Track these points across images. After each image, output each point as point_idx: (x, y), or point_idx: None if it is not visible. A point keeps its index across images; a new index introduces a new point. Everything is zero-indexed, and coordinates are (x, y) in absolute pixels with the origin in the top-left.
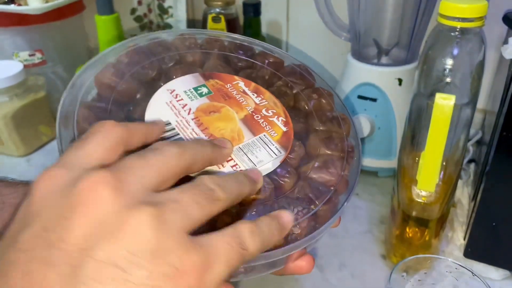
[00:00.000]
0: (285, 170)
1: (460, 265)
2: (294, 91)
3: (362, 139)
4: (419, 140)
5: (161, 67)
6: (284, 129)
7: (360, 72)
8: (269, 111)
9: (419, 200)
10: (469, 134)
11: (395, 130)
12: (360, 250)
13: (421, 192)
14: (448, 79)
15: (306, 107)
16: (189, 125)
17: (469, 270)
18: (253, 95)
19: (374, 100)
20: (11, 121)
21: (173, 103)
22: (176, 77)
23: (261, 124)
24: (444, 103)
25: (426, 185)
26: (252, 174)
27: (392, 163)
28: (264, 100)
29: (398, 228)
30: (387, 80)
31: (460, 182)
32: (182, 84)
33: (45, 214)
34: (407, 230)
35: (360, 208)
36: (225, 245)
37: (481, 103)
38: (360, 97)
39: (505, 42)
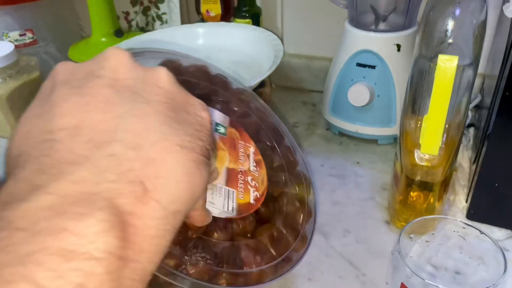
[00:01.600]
0: (223, 225)
1: (467, 224)
2: (285, 189)
3: (362, 108)
4: (421, 104)
5: (210, 99)
6: (252, 202)
7: (358, 39)
8: (253, 182)
9: (422, 164)
10: (470, 96)
11: (395, 96)
12: (364, 217)
13: (424, 155)
14: (450, 40)
15: (284, 208)
16: None
17: (477, 229)
18: (253, 163)
19: (373, 67)
20: (6, 103)
21: None
22: (217, 107)
23: (239, 183)
24: (447, 65)
25: (429, 149)
26: None
27: (392, 130)
28: (257, 173)
29: (402, 193)
30: (386, 46)
31: (460, 147)
32: (215, 115)
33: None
34: (411, 194)
35: (361, 176)
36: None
37: (480, 67)
38: (358, 64)
39: (507, 0)
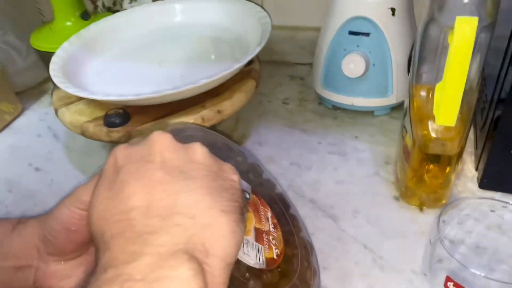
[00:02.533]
0: (258, 274)
1: (505, 202)
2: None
3: (357, 79)
4: (434, 72)
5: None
6: (275, 257)
7: (349, 5)
8: (274, 241)
9: (438, 136)
10: (485, 60)
11: (391, 64)
12: (371, 194)
13: (439, 127)
14: (465, 0)
15: (298, 271)
16: None
17: None
18: (272, 226)
19: (366, 34)
20: None
21: None
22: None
23: (264, 240)
24: (466, 27)
25: (446, 119)
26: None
27: (389, 100)
28: (275, 233)
29: (415, 169)
30: (379, 11)
31: None
32: (242, 183)
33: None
34: (426, 168)
35: (362, 151)
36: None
37: None
38: (351, 33)
39: None
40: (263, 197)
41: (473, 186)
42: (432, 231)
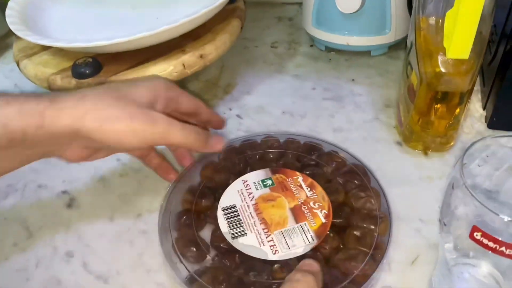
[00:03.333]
0: (313, 256)
1: None
2: (346, 189)
3: (352, 15)
4: (440, 1)
5: (247, 162)
6: (324, 220)
7: None
8: (316, 204)
9: (448, 71)
10: None
11: None
12: (372, 141)
13: (450, 61)
14: None
15: (354, 204)
16: (248, 209)
17: None
18: (307, 189)
19: None
20: None
21: (243, 191)
22: (255, 170)
23: (305, 214)
24: None
25: (458, 51)
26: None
27: (387, 38)
28: (314, 194)
29: (421, 110)
30: None
31: None
32: (255, 176)
33: None
34: (434, 108)
35: (359, 95)
36: None
37: None
38: None
39: None
40: (289, 163)
41: (481, 126)
42: (454, 176)
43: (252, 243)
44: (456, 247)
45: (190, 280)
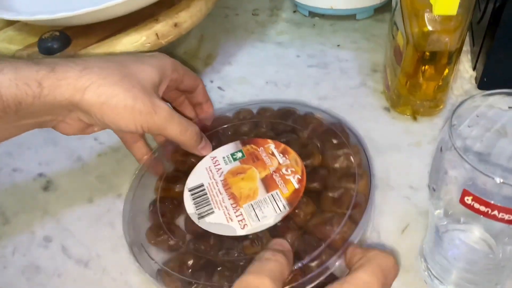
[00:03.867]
0: (286, 226)
1: None
2: (323, 151)
3: None
4: None
5: (220, 138)
6: (296, 186)
7: None
8: (288, 170)
9: (436, 29)
10: None
11: None
12: (358, 107)
13: (438, 17)
14: None
15: (331, 165)
16: (216, 186)
17: None
18: (280, 155)
19: None
20: None
21: (211, 168)
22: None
23: (277, 182)
24: None
25: (445, 7)
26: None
27: (372, 0)
28: (287, 160)
29: (409, 72)
30: None
31: None
32: (225, 150)
33: None
34: (422, 70)
35: (345, 61)
36: None
37: None
38: None
39: None
40: (261, 133)
41: (471, 87)
42: (443, 138)
43: (220, 220)
44: (446, 213)
45: (158, 270)
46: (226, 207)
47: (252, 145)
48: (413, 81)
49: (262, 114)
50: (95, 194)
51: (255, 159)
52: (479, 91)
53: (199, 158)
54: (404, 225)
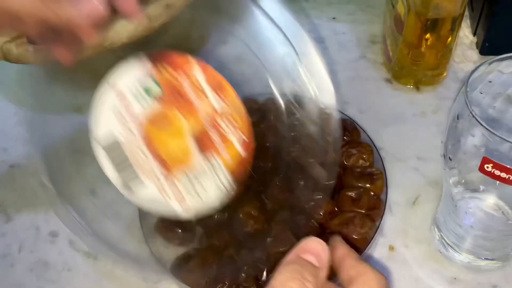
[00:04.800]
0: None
1: None
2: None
3: None
4: None
5: None
6: (242, 153)
7: None
8: (227, 122)
9: None
10: None
11: None
12: (359, 80)
13: None
14: None
15: (345, 163)
16: (138, 143)
17: None
18: (212, 93)
19: None
20: None
21: (121, 111)
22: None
23: (214, 140)
24: None
25: None
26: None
27: None
28: (224, 103)
29: (410, 42)
30: None
31: None
32: (128, 77)
33: None
34: (425, 38)
35: (342, 34)
36: None
37: None
38: None
39: None
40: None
41: (473, 53)
42: (457, 105)
43: (153, 195)
44: (461, 182)
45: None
46: (156, 177)
47: (168, 67)
48: (416, 51)
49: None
50: (98, 186)
51: (177, 96)
52: (481, 56)
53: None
54: (415, 197)
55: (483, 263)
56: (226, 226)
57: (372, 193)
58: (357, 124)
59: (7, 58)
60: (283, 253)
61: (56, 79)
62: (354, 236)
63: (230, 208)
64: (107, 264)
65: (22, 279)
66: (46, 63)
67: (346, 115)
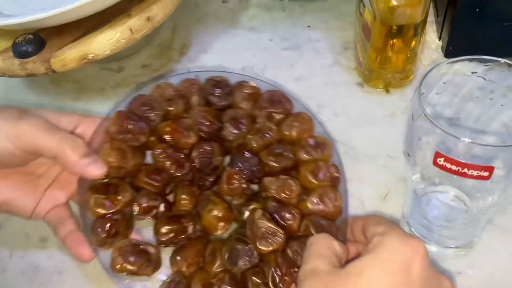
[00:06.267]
0: (290, 212)
1: (491, 60)
2: (276, 121)
3: None
4: None
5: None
6: None
7: None
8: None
9: (400, 3)
10: None
11: None
12: (333, 85)
13: None
14: None
15: (291, 137)
16: None
17: (504, 62)
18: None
19: None
20: None
21: None
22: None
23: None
24: None
25: None
26: None
27: None
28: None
29: (378, 47)
30: None
31: None
32: None
33: None
34: (390, 43)
35: (317, 41)
36: None
37: None
38: None
39: None
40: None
41: (438, 56)
42: (413, 106)
43: None
44: (423, 177)
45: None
46: None
47: None
48: (383, 55)
49: (189, 89)
50: None
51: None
52: (446, 59)
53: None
54: (385, 192)
55: (450, 251)
56: None
57: (327, 163)
58: (288, 95)
59: None
60: None
61: (41, 89)
62: (331, 210)
63: None
64: (97, 266)
65: (14, 282)
66: (31, 76)
67: (276, 87)
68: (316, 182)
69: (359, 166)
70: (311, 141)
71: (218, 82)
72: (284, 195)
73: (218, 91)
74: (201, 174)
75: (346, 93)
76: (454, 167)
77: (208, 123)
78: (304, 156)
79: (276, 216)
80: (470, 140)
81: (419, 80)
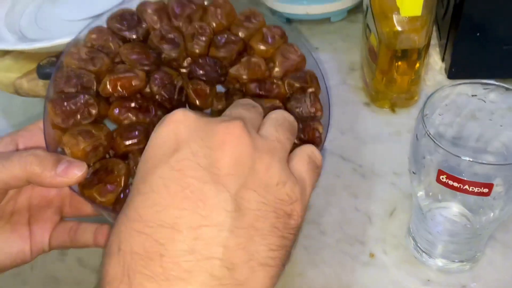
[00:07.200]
0: (271, 83)
1: (489, 84)
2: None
3: None
4: None
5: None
6: None
7: None
8: None
9: (404, 29)
10: None
11: None
12: (341, 104)
13: (405, 18)
14: None
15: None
16: None
17: (502, 86)
18: None
19: None
20: None
21: None
22: None
23: None
24: None
25: (411, 9)
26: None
27: (344, 3)
28: None
29: (383, 69)
30: None
31: None
32: None
33: (192, 143)
34: (396, 66)
35: (324, 62)
36: (310, 174)
37: None
38: None
39: None
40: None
41: (442, 78)
42: (417, 127)
43: None
44: (427, 194)
45: None
46: None
47: None
48: (389, 77)
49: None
50: None
51: None
52: (449, 80)
53: None
54: (392, 209)
55: (454, 265)
56: None
57: (269, 27)
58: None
59: (19, 92)
60: None
61: None
62: (297, 60)
63: None
64: None
65: None
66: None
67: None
68: (270, 48)
69: (367, 184)
70: (241, 17)
71: (121, 16)
72: (257, 73)
73: (126, 23)
74: (172, 103)
75: (353, 112)
76: (456, 184)
77: (144, 55)
78: (242, 31)
79: (262, 92)
80: (471, 159)
81: (424, 100)
